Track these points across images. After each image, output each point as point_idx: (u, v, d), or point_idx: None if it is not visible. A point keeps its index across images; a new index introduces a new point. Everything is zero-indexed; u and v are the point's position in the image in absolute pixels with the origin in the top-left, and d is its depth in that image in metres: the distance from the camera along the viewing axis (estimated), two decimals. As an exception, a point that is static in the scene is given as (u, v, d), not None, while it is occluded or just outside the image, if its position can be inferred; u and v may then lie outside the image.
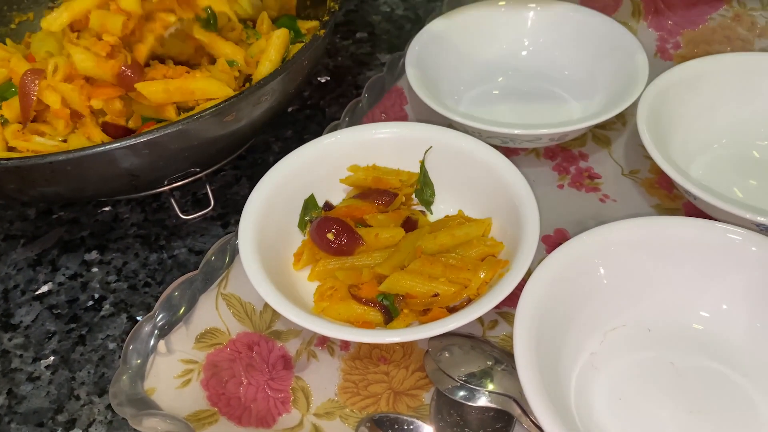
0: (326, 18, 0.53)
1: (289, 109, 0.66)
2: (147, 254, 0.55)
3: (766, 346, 0.41)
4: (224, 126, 0.48)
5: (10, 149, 0.52)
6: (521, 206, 0.46)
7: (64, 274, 0.54)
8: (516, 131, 0.52)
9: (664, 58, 0.65)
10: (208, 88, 0.51)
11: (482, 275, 0.44)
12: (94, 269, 0.54)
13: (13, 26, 0.66)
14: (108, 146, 0.43)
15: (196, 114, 0.44)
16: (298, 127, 0.65)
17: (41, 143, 0.51)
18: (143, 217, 0.57)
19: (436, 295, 0.44)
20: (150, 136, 0.43)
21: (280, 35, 0.54)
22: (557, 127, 0.52)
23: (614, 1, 0.68)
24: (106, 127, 0.50)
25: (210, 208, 0.55)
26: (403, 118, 0.62)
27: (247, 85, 0.55)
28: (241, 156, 0.61)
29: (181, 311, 0.45)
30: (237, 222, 0.47)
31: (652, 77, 0.55)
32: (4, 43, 0.59)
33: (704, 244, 0.43)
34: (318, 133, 0.62)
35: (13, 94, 0.53)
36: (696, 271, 0.43)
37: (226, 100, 0.45)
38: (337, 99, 0.68)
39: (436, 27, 0.63)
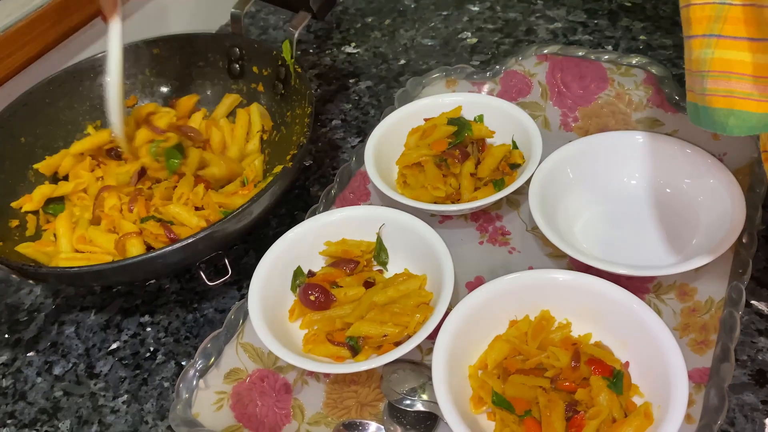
0: (294, 152, 0.74)
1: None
2: (185, 315, 0.75)
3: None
4: (237, 222, 0.68)
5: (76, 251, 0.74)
6: (442, 265, 0.66)
7: (126, 334, 0.74)
8: (443, 207, 0.72)
9: (566, 129, 0.84)
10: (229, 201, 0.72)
11: (417, 317, 0.64)
12: (148, 329, 0.74)
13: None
14: (149, 255, 0.64)
15: (220, 222, 0.65)
16: (290, 206, 0.85)
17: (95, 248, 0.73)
18: (180, 286, 0.78)
19: (386, 336, 0.64)
20: (184, 242, 0.64)
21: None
22: (473, 202, 0.72)
23: (527, 86, 0.88)
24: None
25: (228, 275, 0.75)
26: (367, 195, 0.81)
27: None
28: (248, 232, 0.81)
29: (212, 360, 0.65)
30: (248, 286, 0.67)
31: (555, 146, 0.75)
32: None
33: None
34: (305, 209, 0.83)
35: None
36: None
37: (240, 208, 0.66)
38: (319, 179, 0.88)
39: (389, 120, 0.83)
